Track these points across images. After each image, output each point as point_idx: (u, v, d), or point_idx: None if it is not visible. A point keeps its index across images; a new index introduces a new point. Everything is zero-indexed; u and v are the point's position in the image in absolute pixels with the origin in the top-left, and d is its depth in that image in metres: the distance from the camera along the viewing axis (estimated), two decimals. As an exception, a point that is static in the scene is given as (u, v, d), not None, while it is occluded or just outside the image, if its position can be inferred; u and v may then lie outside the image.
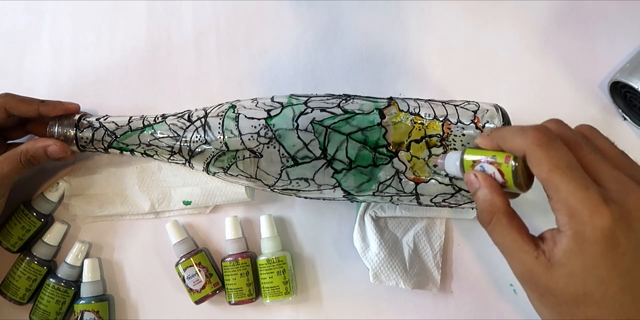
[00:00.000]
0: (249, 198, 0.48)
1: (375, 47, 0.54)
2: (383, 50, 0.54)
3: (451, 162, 0.34)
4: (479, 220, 0.32)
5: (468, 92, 0.52)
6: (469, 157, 0.32)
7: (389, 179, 0.40)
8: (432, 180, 0.40)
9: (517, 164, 0.30)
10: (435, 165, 0.39)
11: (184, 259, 0.47)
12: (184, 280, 0.47)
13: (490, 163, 0.31)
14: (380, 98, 0.42)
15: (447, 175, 0.39)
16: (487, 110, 0.41)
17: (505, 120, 0.40)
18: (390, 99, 0.42)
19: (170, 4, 0.55)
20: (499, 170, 0.31)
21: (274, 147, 0.40)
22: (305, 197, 0.44)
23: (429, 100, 0.43)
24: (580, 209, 0.27)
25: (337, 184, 0.41)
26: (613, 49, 0.53)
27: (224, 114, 0.42)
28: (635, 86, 0.46)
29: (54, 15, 0.56)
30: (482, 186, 0.31)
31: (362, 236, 0.47)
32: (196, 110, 0.44)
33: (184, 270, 0.46)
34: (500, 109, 0.41)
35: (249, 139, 0.40)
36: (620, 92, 0.50)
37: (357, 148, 0.39)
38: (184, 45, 0.54)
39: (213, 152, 0.41)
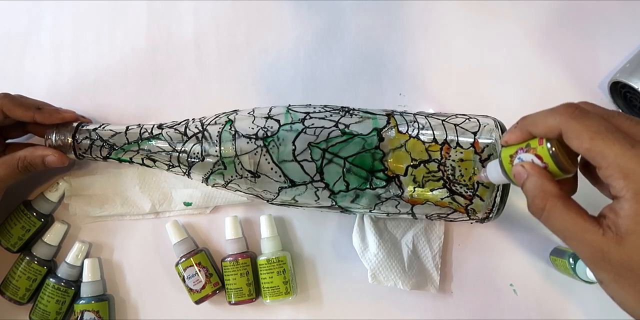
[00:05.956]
0: (249, 200, 0.48)
1: (375, 47, 0.54)
2: (383, 50, 0.54)
3: (493, 170, 0.34)
4: (531, 211, 0.30)
5: (467, 92, 0.53)
6: (505, 156, 0.32)
7: (386, 200, 0.40)
8: (428, 203, 0.40)
9: (552, 143, 0.29)
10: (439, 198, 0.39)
11: (184, 259, 0.47)
12: (184, 280, 0.47)
13: (526, 151, 0.30)
14: (379, 114, 0.42)
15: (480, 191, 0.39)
16: (487, 125, 0.41)
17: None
18: (390, 115, 0.41)
19: (170, 4, 0.55)
20: (537, 155, 0.30)
21: (271, 168, 0.40)
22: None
23: (429, 115, 0.42)
24: (632, 167, 0.26)
25: (334, 203, 0.41)
26: (613, 49, 0.53)
27: (220, 130, 0.41)
28: (635, 86, 0.46)
29: (54, 16, 0.56)
30: (530, 175, 0.30)
31: (362, 236, 0.47)
32: (193, 120, 0.44)
33: (184, 270, 0.46)
34: (499, 124, 0.41)
35: (246, 159, 0.40)
36: (620, 92, 0.50)
37: (354, 172, 0.39)
38: (184, 46, 0.54)
39: (211, 169, 0.41)
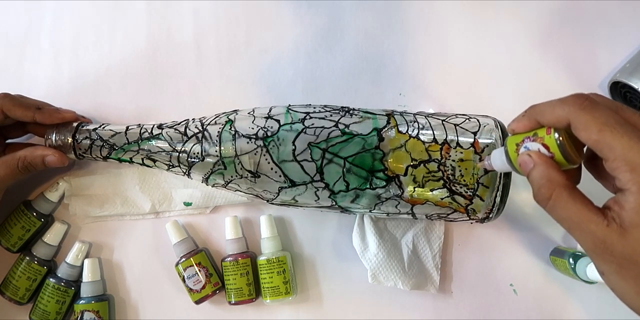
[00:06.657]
0: (249, 200, 0.48)
1: (375, 47, 0.54)
2: (383, 50, 0.54)
3: (497, 157, 0.34)
4: (537, 200, 0.30)
5: (467, 92, 0.53)
6: (511, 144, 0.32)
7: (386, 200, 0.40)
8: (428, 202, 0.40)
9: (560, 133, 0.29)
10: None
11: (184, 259, 0.47)
12: (184, 280, 0.47)
13: (533, 140, 0.30)
14: (379, 114, 0.42)
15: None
16: (487, 125, 0.41)
17: (504, 135, 0.40)
18: (390, 115, 0.41)
19: (170, 4, 0.55)
20: (543, 145, 0.30)
21: (271, 168, 0.40)
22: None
23: (429, 115, 0.42)
24: None
25: (334, 203, 0.41)
26: (613, 49, 0.53)
27: (220, 130, 0.41)
28: (635, 86, 0.46)
29: (54, 16, 0.56)
30: (536, 164, 0.30)
31: (362, 236, 0.47)
32: (193, 120, 0.44)
33: (184, 270, 0.46)
34: (499, 124, 0.41)
35: (246, 159, 0.40)
36: (620, 92, 0.50)
37: (354, 172, 0.39)
38: (184, 46, 0.54)
39: (211, 169, 0.41)
